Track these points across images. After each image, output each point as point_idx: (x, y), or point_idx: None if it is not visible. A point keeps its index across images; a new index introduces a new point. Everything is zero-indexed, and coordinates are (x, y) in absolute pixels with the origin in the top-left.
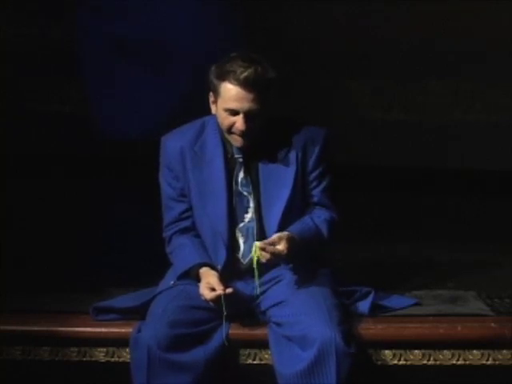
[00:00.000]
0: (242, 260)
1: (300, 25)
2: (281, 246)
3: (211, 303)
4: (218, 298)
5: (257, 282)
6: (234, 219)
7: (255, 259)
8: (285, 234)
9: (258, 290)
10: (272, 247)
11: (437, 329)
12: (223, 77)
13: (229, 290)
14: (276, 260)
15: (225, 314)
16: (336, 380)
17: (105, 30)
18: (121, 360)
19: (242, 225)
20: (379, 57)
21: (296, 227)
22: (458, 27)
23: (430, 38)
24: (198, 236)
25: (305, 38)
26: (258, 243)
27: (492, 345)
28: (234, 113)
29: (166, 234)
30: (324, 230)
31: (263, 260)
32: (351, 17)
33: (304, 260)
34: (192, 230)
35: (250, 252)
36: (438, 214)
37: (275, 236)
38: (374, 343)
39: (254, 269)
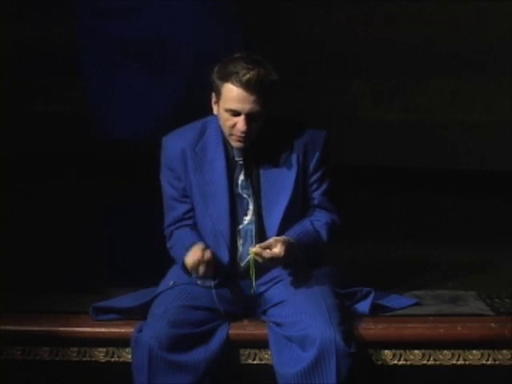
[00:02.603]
0: (239, 262)
1: (300, 25)
2: (277, 249)
3: (193, 272)
4: (198, 263)
5: (253, 283)
6: (235, 221)
7: (252, 263)
8: (281, 237)
9: (254, 290)
10: (268, 252)
11: (437, 329)
12: (225, 78)
13: (207, 255)
14: (273, 263)
15: (213, 284)
16: (336, 380)
17: (105, 29)
18: (121, 360)
19: (240, 227)
20: (379, 57)
21: (294, 231)
22: (458, 27)
23: (430, 38)
24: (198, 233)
25: (305, 38)
26: (253, 249)
27: (492, 345)
28: (236, 114)
29: (167, 231)
30: (323, 233)
31: (260, 260)
32: (351, 17)
33: (303, 263)
34: (193, 229)
35: (248, 254)
36: (438, 213)
37: (271, 239)
38: (374, 343)
39: (250, 273)
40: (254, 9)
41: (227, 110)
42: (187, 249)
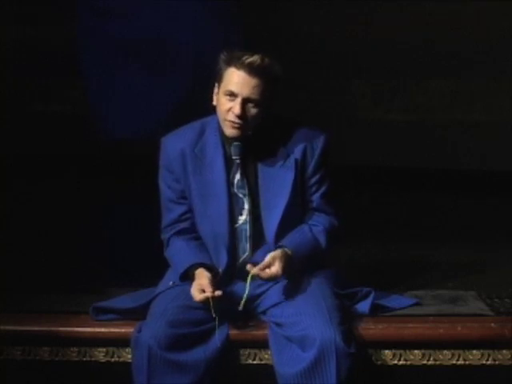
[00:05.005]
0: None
1: (300, 25)
2: (274, 268)
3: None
4: (207, 299)
5: (244, 299)
6: (233, 221)
7: (249, 282)
8: (278, 253)
9: (241, 307)
10: (266, 272)
11: (437, 329)
12: (230, 62)
13: (218, 293)
14: (271, 280)
15: (214, 316)
16: (336, 380)
17: (105, 29)
18: (121, 360)
19: (235, 226)
20: (379, 57)
21: (293, 239)
22: (458, 27)
23: (430, 37)
24: (196, 238)
25: (305, 38)
26: (251, 271)
27: (492, 345)
28: (233, 97)
29: (164, 236)
30: (322, 240)
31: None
32: (351, 17)
33: (302, 271)
34: (191, 231)
35: (243, 254)
36: (438, 213)
37: (269, 257)
38: (374, 343)
39: (245, 293)
40: (254, 9)
41: (226, 94)
42: (190, 271)
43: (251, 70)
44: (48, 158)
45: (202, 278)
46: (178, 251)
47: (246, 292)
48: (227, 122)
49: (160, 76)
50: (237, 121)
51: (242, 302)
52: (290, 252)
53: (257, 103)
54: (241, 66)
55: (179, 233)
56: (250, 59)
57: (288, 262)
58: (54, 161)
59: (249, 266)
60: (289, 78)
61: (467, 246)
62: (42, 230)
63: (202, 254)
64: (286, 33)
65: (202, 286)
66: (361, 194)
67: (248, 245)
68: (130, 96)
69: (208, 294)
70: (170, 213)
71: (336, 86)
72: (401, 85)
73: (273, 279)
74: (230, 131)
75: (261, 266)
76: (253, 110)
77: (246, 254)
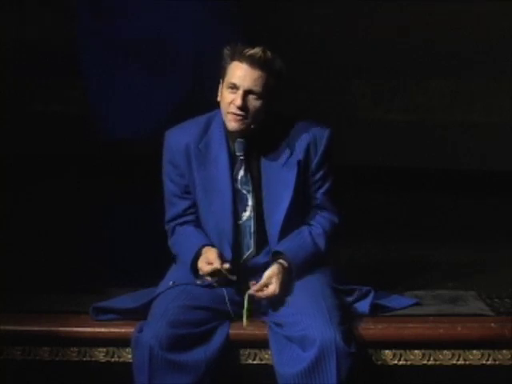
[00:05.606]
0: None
1: (300, 25)
2: (272, 287)
3: (208, 278)
4: (215, 272)
5: (245, 318)
6: (237, 217)
7: (247, 302)
8: (275, 270)
9: (245, 324)
10: (263, 293)
11: (437, 329)
12: (233, 56)
13: (225, 266)
14: (270, 299)
15: (216, 286)
16: (336, 380)
17: (105, 29)
18: (121, 360)
19: (239, 222)
20: (379, 57)
21: (292, 244)
22: (458, 27)
23: (430, 38)
24: (202, 231)
25: (305, 38)
26: (248, 292)
27: (492, 345)
28: (236, 89)
29: (168, 226)
30: (321, 244)
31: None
32: (351, 17)
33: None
34: (195, 224)
35: (247, 250)
36: (438, 213)
37: (265, 277)
38: (374, 343)
39: (244, 312)
40: (254, 9)
41: (228, 87)
42: (196, 250)
43: (253, 61)
44: (48, 158)
45: (209, 252)
46: (186, 236)
47: (245, 311)
48: (229, 115)
49: (160, 76)
50: (238, 112)
51: (244, 320)
52: (286, 264)
53: (258, 95)
54: (243, 58)
55: (183, 223)
56: (252, 51)
57: (285, 276)
58: (54, 161)
59: (251, 284)
60: (289, 78)
61: (467, 246)
62: (42, 230)
63: (207, 238)
64: (286, 33)
65: (208, 260)
66: (361, 194)
67: (252, 241)
68: (130, 96)
69: (216, 265)
70: (174, 207)
71: (336, 86)
72: (401, 85)
73: (270, 298)
74: (231, 125)
75: (258, 286)
76: (254, 103)
77: (250, 250)
